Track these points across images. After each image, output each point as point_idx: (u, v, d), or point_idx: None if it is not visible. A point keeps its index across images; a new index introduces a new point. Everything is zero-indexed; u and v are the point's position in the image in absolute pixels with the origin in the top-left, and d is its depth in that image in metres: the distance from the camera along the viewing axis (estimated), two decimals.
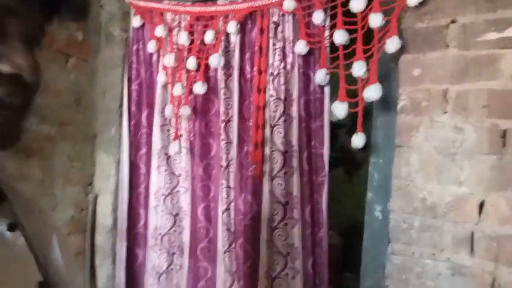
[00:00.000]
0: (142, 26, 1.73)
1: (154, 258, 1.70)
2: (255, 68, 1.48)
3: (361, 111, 1.28)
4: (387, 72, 1.29)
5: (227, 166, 1.55)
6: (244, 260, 1.51)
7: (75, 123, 1.78)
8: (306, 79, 1.45)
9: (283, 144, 1.46)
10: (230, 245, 1.55)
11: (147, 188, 1.72)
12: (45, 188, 1.67)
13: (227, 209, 1.55)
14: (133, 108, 1.74)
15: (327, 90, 1.44)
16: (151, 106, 1.72)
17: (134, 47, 1.75)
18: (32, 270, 0.50)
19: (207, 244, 1.61)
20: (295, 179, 1.45)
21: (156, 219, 1.69)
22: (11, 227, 0.48)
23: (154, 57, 1.71)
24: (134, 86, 1.75)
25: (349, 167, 2.68)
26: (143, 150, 1.73)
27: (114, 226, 1.78)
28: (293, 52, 1.45)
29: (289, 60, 1.46)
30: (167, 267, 1.69)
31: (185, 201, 1.66)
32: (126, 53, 1.78)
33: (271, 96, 1.47)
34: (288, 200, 1.47)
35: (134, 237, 1.73)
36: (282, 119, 1.46)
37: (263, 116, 1.46)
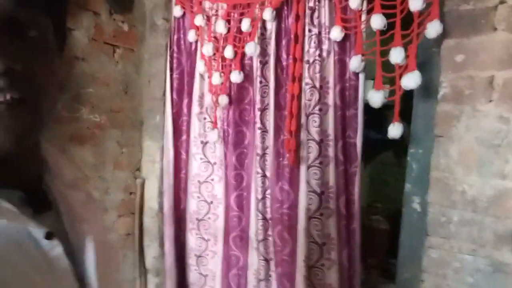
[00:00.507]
0: (183, 15, 1.77)
1: (191, 241, 1.79)
2: (291, 56, 1.47)
3: (398, 100, 1.24)
4: (427, 59, 1.23)
5: (263, 154, 1.57)
6: (282, 248, 1.54)
7: (124, 110, 1.89)
8: (341, 66, 1.42)
9: (318, 133, 1.45)
10: (265, 233, 1.59)
11: (186, 174, 1.79)
12: (97, 173, 1.81)
13: (263, 197, 1.58)
14: (175, 96, 1.81)
15: (361, 77, 1.39)
16: (191, 95, 1.77)
17: (175, 37, 1.80)
18: (68, 281, 0.50)
19: (239, 233, 1.66)
20: (331, 169, 1.44)
21: (194, 204, 1.77)
22: (48, 236, 0.48)
23: (194, 46, 1.75)
24: (175, 75, 1.81)
25: (398, 150, 2.59)
26: (183, 137, 1.79)
27: (160, 209, 1.88)
28: (329, 39, 1.42)
29: (324, 47, 1.43)
30: (203, 252, 1.77)
31: (219, 190, 1.71)
32: (168, 42, 1.84)
33: (307, 84, 1.45)
34: (323, 190, 1.46)
35: (177, 219, 1.82)
36: (317, 107, 1.44)
37: (298, 105, 1.45)
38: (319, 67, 1.43)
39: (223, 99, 1.60)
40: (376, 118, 1.72)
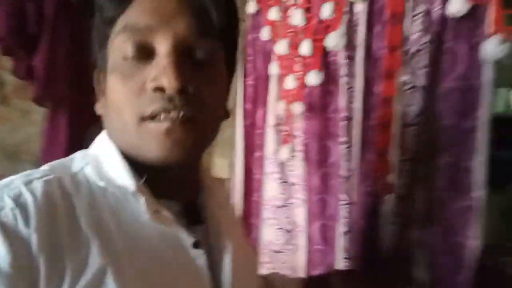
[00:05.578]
0: (259, 12, 1.52)
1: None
2: (385, 44, 1.09)
3: None
4: None
5: (349, 176, 1.21)
6: None
7: None
8: (456, 57, 0.98)
9: (417, 151, 1.03)
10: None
11: (260, 196, 1.51)
12: None
13: (349, 231, 1.21)
14: (248, 106, 1.56)
15: (488, 74, 0.93)
16: (266, 104, 1.50)
17: (250, 37, 1.56)
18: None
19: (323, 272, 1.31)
20: (425, 198, 1.02)
21: (268, 233, 1.47)
22: (195, 245, 0.54)
23: (270, 47, 1.48)
24: (250, 81, 1.56)
25: None
26: (257, 154, 1.53)
27: None
28: (442, 18, 1.00)
29: (434, 30, 1.01)
30: None
31: (300, 216, 1.38)
32: (243, 44, 1.61)
33: (406, 83, 1.05)
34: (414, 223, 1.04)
35: None
36: (419, 116, 1.03)
37: (392, 113, 1.06)
38: (425, 59, 1.02)
39: (298, 107, 1.29)
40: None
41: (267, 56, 1.50)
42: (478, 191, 0.95)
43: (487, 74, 0.93)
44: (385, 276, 1.08)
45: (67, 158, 0.56)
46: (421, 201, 1.04)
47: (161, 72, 0.47)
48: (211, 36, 0.52)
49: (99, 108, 0.57)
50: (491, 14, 0.88)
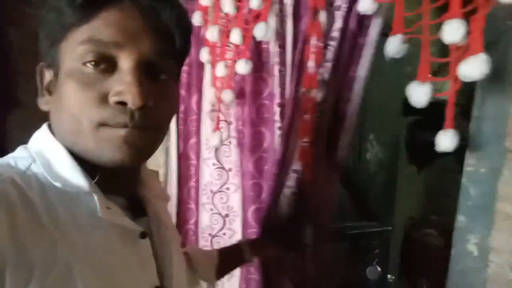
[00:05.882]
0: None
1: None
2: (307, 37, 1.14)
3: (453, 97, 0.86)
4: (499, 36, 0.83)
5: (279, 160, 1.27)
6: None
7: None
8: (353, 51, 1.09)
9: (315, 134, 1.17)
10: None
11: (198, 182, 1.54)
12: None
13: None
14: (183, 92, 1.55)
15: (365, 67, 1.07)
16: (200, 90, 1.50)
17: None
18: (152, 274, 0.61)
19: None
20: (318, 172, 1.20)
21: (205, 218, 1.51)
22: (143, 235, 0.60)
23: (203, 32, 1.48)
24: (184, 67, 1.55)
25: (461, 154, 2.11)
26: (193, 140, 1.54)
27: None
28: (349, 15, 1.07)
29: (342, 25, 1.09)
30: None
31: (235, 201, 1.44)
32: None
33: (319, 74, 1.13)
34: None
35: (186, 233, 1.59)
36: (320, 104, 1.14)
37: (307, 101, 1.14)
38: (331, 53, 1.10)
39: (228, 95, 1.32)
40: (433, 116, 1.33)
41: (200, 42, 1.50)
42: (342, 163, 1.17)
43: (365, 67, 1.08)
44: (286, 239, 1.26)
45: (8, 157, 0.56)
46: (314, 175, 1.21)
47: (126, 89, 0.51)
48: (171, 56, 0.57)
49: (43, 105, 0.57)
50: (394, 14, 0.94)
